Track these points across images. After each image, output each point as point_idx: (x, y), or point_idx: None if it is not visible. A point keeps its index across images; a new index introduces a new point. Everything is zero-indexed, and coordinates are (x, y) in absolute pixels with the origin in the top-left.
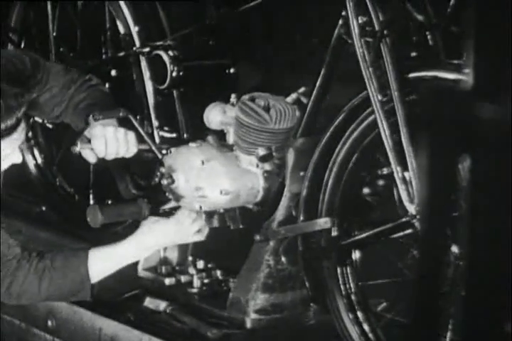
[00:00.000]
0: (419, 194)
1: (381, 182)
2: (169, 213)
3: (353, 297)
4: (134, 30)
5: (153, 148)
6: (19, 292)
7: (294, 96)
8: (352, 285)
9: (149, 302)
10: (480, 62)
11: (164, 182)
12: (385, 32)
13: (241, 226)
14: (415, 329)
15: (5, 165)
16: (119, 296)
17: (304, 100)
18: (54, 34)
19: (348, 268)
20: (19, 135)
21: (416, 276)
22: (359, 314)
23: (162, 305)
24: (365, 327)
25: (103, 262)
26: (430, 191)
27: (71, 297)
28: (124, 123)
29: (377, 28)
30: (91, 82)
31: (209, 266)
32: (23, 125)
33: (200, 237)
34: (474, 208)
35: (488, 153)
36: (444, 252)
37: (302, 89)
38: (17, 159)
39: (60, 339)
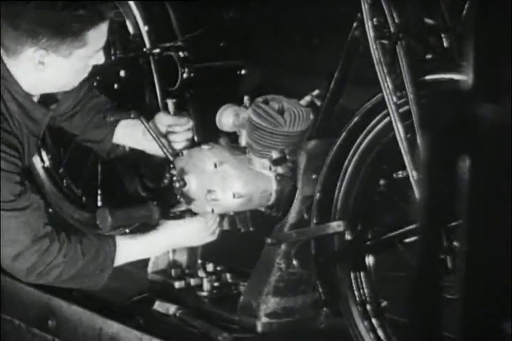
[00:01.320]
0: (419, 194)
1: (396, 186)
2: (180, 216)
3: (367, 303)
4: (144, 30)
5: (164, 150)
6: (42, 271)
7: (307, 98)
8: (366, 290)
9: (159, 306)
10: (480, 62)
11: (176, 184)
12: (401, 34)
13: (251, 229)
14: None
15: (87, 68)
16: (129, 299)
17: (317, 103)
18: None
19: (362, 273)
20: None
21: (414, 278)
22: (373, 320)
23: (172, 308)
24: (380, 333)
25: (127, 252)
26: (430, 192)
27: (84, 283)
28: None
29: (392, 30)
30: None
31: (218, 268)
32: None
33: (214, 237)
34: (474, 209)
35: (490, 154)
36: (443, 252)
37: (316, 92)
38: (99, 60)
39: (59, 339)
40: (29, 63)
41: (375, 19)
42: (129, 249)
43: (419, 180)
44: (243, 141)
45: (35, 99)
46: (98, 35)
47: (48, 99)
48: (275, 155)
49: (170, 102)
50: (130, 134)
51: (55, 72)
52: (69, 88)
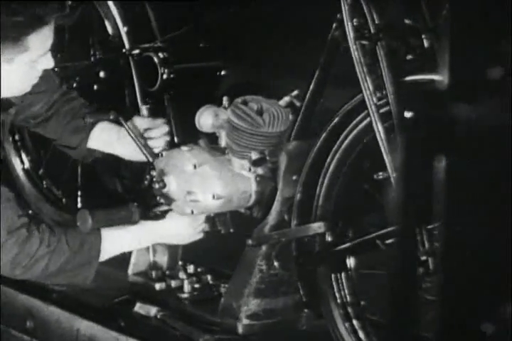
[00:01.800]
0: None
1: (378, 186)
2: (161, 216)
3: (348, 305)
4: (123, 31)
5: (144, 151)
6: (27, 264)
7: (287, 99)
8: (347, 292)
9: (140, 308)
10: (456, 62)
11: (156, 186)
12: (381, 35)
13: (232, 231)
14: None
15: (35, 73)
16: (109, 301)
17: (297, 103)
18: None
19: (343, 275)
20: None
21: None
22: (355, 322)
23: (153, 310)
24: (361, 335)
25: (112, 244)
26: (408, 193)
27: (73, 277)
28: None
29: (372, 31)
30: (72, 94)
31: (199, 270)
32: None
33: (199, 236)
34: (451, 209)
35: (466, 153)
36: (425, 254)
37: (295, 92)
38: (48, 64)
39: (37, 340)
40: None
41: (355, 20)
42: (114, 241)
43: (397, 181)
44: (222, 141)
45: None
46: (40, 39)
47: (3, 104)
48: (254, 156)
49: (144, 108)
50: (105, 139)
51: (2, 80)
52: (18, 93)
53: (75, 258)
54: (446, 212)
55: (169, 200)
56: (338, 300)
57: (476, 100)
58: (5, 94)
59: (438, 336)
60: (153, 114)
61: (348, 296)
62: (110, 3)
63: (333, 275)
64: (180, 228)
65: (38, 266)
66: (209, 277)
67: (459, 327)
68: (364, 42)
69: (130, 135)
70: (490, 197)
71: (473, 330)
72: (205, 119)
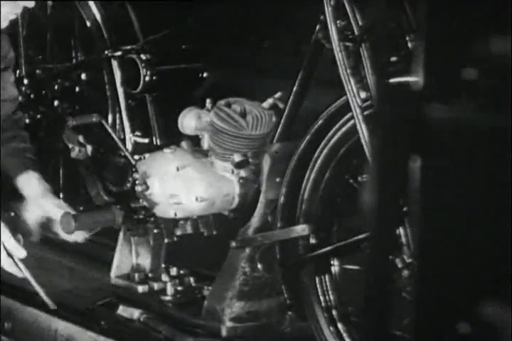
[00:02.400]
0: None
1: (361, 189)
2: (144, 220)
3: (333, 308)
4: (105, 32)
5: (126, 153)
6: None
7: (270, 101)
8: (332, 296)
9: (123, 311)
10: (430, 62)
11: (138, 188)
12: (365, 37)
13: (215, 233)
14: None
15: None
16: (92, 304)
17: (280, 105)
18: (23, 35)
19: (327, 278)
20: None
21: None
22: (340, 326)
23: (136, 313)
24: (346, 338)
25: None
26: (380, 192)
27: None
28: None
29: (356, 32)
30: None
31: (181, 272)
32: None
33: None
34: (425, 209)
35: (441, 153)
36: (394, 253)
37: (278, 94)
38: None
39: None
40: None
41: (338, 21)
42: None
43: (370, 181)
44: (205, 144)
45: None
46: None
47: None
48: (237, 158)
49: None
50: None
51: None
52: None
53: None
54: (422, 213)
55: (152, 203)
56: (323, 304)
57: (452, 101)
58: None
59: (414, 335)
60: (136, 116)
61: (332, 300)
62: (91, 4)
63: (317, 279)
64: None
65: None
66: (192, 279)
67: (434, 327)
68: (348, 43)
69: (113, 137)
70: (467, 196)
71: (451, 331)
72: (188, 121)
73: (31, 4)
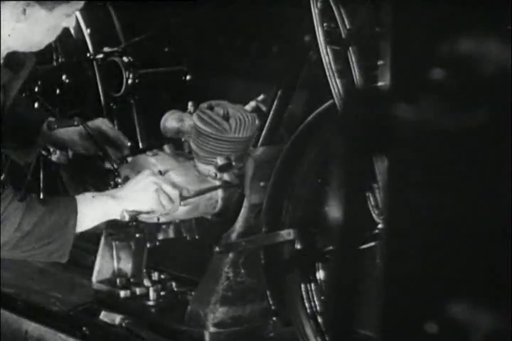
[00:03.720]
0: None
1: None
2: (126, 225)
3: (318, 315)
4: (86, 33)
5: (108, 158)
6: None
7: (253, 104)
8: (317, 302)
9: (104, 316)
10: (398, 63)
11: None
12: (352, 40)
13: (197, 237)
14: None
15: (58, 30)
16: (73, 309)
17: (263, 108)
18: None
19: (313, 284)
20: None
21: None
22: (325, 332)
23: (117, 318)
24: None
25: (89, 208)
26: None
27: (47, 245)
28: None
29: (343, 35)
30: None
31: (162, 277)
32: None
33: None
34: (392, 209)
35: (407, 153)
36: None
37: (261, 97)
38: (71, 23)
39: None
40: (9, 12)
41: (325, 24)
42: (89, 204)
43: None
44: (188, 147)
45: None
46: None
47: (13, 63)
48: (220, 161)
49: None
50: None
51: (34, 26)
52: (37, 48)
53: (50, 217)
54: (389, 213)
55: None
56: (308, 311)
57: (418, 101)
58: (25, 46)
59: (380, 335)
60: (118, 119)
61: (318, 306)
62: None
63: (302, 285)
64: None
65: (9, 223)
66: (174, 284)
67: (401, 327)
68: (335, 47)
69: (94, 140)
70: (433, 195)
71: (416, 330)
72: (171, 124)
73: (72, 25)
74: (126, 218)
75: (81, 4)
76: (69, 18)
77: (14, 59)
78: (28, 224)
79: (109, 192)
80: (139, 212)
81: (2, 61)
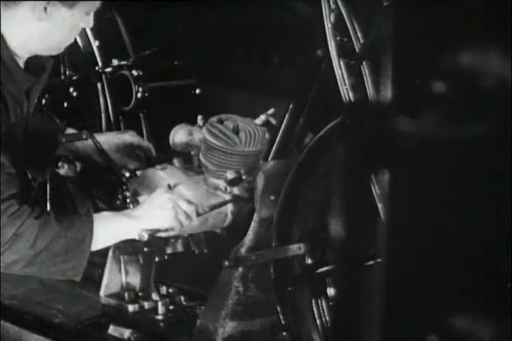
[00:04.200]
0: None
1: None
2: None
3: (329, 332)
4: (95, 45)
5: (117, 171)
6: (12, 237)
7: (263, 117)
8: (328, 318)
9: (113, 330)
10: (399, 78)
11: (129, 206)
12: (366, 54)
13: (206, 251)
14: None
15: (76, 30)
16: (82, 323)
17: (273, 122)
18: None
19: (323, 300)
20: None
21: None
22: None
23: (126, 332)
24: None
25: (105, 227)
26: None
27: (62, 263)
28: None
29: (357, 50)
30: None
31: (171, 290)
32: None
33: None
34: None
35: (408, 166)
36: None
37: (271, 111)
38: (89, 23)
39: None
40: (30, 11)
41: (338, 38)
42: (105, 223)
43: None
44: (197, 161)
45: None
46: None
47: (34, 67)
48: (230, 175)
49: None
50: None
51: (55, 25)
52: (57, 50)
53: (66, 234)
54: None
55: None
56: (320, 327)
57: (419, 114)
58: (46, 49)
59: None
60: None
61: (328, 321)
62: None
63: (313, 300)
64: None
65: (24, 240)
66: (183, 298)
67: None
68: (348, 60)
69: (104, 154)
70: (433, 207)
71: None
72: (180, 138)
73: (91, 25)
74: (145, 237)
75: (97, 3)
76: (87, 17)
77: (34, 63)
78: (43, 242)
79: (125, 211)
80: (158, 230)
81: (23, 66)
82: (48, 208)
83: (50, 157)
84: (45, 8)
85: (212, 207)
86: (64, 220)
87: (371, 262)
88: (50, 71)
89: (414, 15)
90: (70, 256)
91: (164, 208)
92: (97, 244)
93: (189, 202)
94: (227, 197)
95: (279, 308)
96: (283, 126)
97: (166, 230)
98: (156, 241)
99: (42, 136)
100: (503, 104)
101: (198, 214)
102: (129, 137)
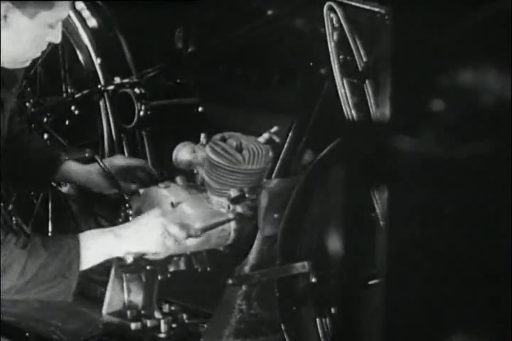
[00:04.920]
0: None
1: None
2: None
3: None
4: (97, 63)
5: (120, 189)
6: (1, 267)
7: (266, 135)
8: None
9: None
10: (398, 95)
11: None
12: (369, 72)
13: (208, 269)
14: None
15: (42, 44)
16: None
17: (276, 140)
18: None
19: (328, 318)
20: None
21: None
22: None
23: None
24: None
25: (94, 247)
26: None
27: (53, 288)
28: None
29: (360, 68)
30: None
31: (173, 308)
32: None
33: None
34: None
35: (408, 185)
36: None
37: (275, 129)
38: (56, 37)
39: None
40: None
41: (341, 57)
42: (93, 243)
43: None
44: (200, 179)
45: None
46: (64, 4)
47: (5, 78)
48: (233, 193)
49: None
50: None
51: (15, 34)
52: (21, 63)
53: (54, 260)
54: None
55: None
56: None
57: (419, 133)
58: (8, 60)
59: None
60: (130, 151)
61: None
62: (81, 32)
63: (318, 320)
64: (156, 225)
65: (13, 271)
66: (185, 316)
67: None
68: (351, 79)
69: (107, 172)
70: (435, 228)
71: None
72: (183, 156)
73: (58, 40)
74: (130, 259)
75: (63, 14)
76: (53, 30)
77: (5, 74)
78: (31, 271)
79: (114, 228)
80: (143, 254)
81: None
82: (50, 228)
83: (46, 182)
84: (5, 17)
85: (206, 229)
86: (50, 246)
87: (374, 281)
88: (20, 83)
89: (416, 33)
90: (59, 281)
91: (153, 233)
92: (87, 262)
93: (182, 225)
94: (231, 215)
95: (283, 326)
96: (286, 144)
97: (153, 254)
98: (158, 260)
99: (40, 162)
100: (504, 123)
101: (191, 237)
102: (117, 161)
